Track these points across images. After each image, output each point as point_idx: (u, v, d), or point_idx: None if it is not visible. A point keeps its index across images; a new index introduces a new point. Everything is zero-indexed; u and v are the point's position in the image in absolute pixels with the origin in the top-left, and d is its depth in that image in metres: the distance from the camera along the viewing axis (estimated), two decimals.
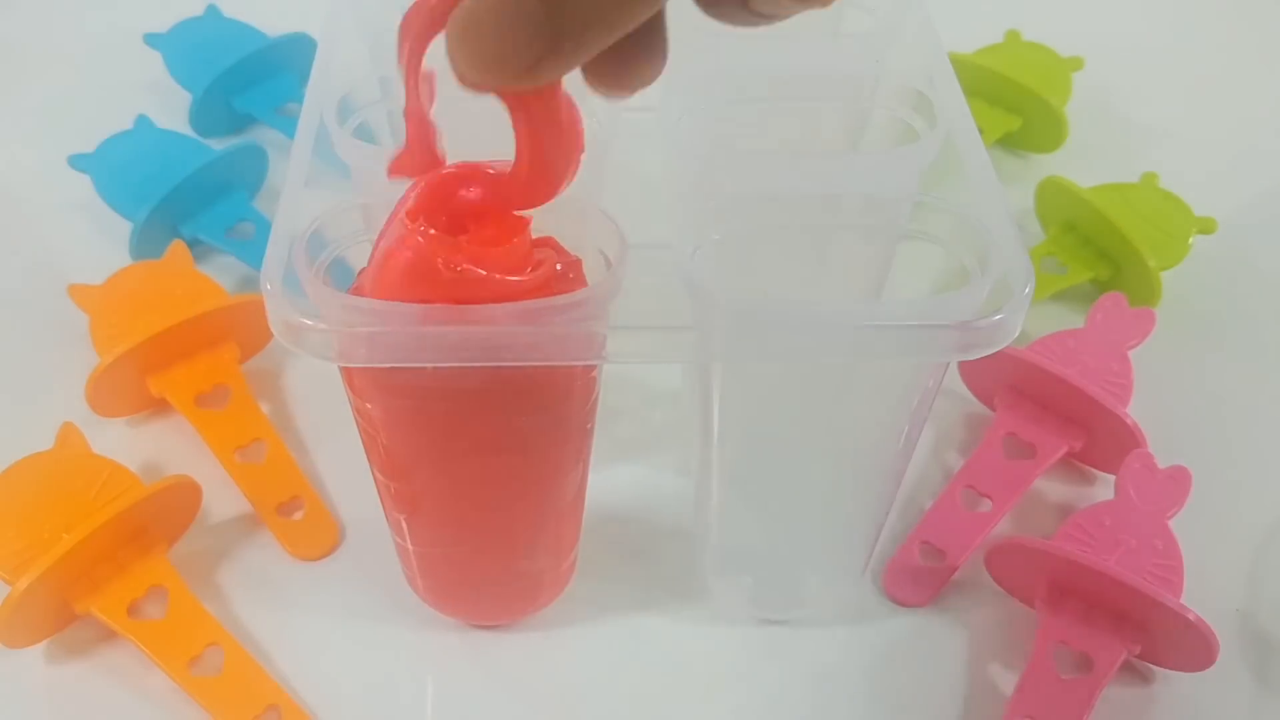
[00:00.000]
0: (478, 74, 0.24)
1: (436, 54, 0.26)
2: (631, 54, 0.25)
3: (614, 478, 0.45)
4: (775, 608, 0.42)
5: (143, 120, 0.57)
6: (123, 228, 0.54)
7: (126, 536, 0.40)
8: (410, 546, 0.38)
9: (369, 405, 0.34)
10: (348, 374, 0.33)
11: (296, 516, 0.44)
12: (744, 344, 0.32)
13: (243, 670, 0.39)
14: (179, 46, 0.62)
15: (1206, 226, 0.53)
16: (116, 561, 0.40)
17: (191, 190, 0.54)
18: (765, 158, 0.36)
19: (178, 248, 0.50)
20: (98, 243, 0.55)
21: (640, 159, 0.38)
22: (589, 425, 0.36)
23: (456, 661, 0.41)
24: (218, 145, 0.57)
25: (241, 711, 0.38)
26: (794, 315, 0.31)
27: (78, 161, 0.55)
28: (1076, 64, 0.62)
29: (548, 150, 0.28)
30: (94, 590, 0.40)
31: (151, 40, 0.62)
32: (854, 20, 0.46)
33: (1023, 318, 0.31)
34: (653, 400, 0.49)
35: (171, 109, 0.62)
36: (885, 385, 0.35)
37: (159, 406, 0.47)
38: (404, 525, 0.37)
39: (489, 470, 0.35)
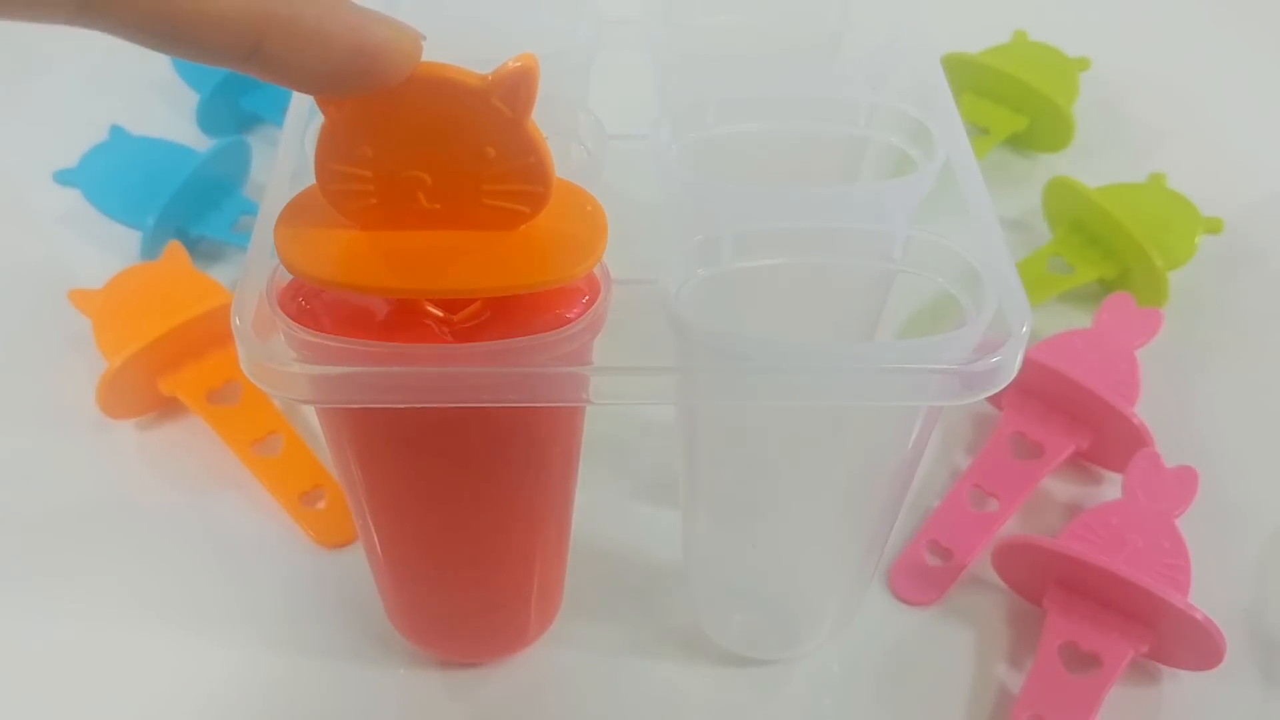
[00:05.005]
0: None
1: None
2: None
3: (603, 510, 0.44)
4: (768, 648, 0.41)
5: (117, 130, 0.57)
6: (118, 232, 0.54)
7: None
8: (388, 579, 0.37)
9: (343, 437, 0.33)
10: (321, 409, 0.33)
11: (319, 506, 0.45)
12: (727, 387, 0.31)
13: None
14: None
15: (1213, 226, 0.53)
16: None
17: (192, 191, 0.54)
18: (756, 190, 0.35)
19: (175, 248, 0.50)
20: (95, 248, 0.55)
21: (629, 188, 0.37)
22: (574, 456, 0.35)
23: (435, 700, 0.39)
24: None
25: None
26: (779, 358, 0.30)
27: (64, 177, 0.55)
28: (1084, 64, 0.62)
29: None
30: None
31: None
32: (852, 44, 0.45)
33: (1020, 360, 0.30)
34: (645, 430, 0.47)
35: (179, 108, 0.62)
36: (880, 419, 0.34)
37: (169, 406, 0.48)
38: (382, 557, 0.36)
39: (468, 502, 0.34)
